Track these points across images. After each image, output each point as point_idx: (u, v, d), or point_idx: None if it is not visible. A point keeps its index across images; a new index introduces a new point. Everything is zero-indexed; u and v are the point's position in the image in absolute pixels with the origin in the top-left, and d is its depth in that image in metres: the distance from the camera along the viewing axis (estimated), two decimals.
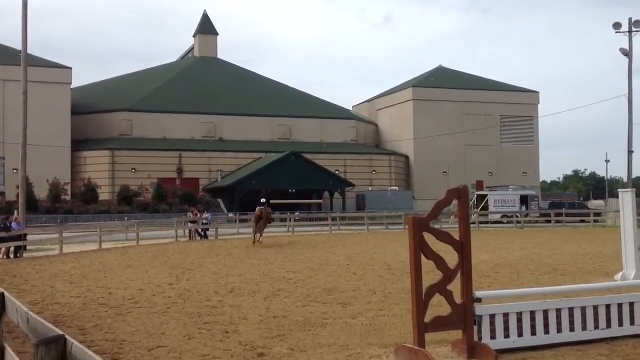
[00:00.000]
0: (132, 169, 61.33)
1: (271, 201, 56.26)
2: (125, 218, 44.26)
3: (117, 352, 8.03)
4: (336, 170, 65.31)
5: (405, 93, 75.11)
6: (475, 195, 56.06)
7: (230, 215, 49.39)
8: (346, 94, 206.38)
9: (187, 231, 34.77)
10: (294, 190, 60.01)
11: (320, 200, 62.90)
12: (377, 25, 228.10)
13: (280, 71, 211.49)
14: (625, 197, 14.20)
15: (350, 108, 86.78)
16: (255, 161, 63.98)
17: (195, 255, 22.76)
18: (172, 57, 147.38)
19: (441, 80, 76.44)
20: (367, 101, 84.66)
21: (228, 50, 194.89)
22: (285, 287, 13.94)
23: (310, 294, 12.85)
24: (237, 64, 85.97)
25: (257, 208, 29.02)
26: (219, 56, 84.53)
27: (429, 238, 7.37)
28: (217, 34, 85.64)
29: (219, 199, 60.40)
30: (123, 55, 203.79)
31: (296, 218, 45.47)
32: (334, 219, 43.19)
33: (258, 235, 28.19)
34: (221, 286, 14.19)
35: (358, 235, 36.40)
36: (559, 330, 7.93)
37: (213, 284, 14.53)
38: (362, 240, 31.06)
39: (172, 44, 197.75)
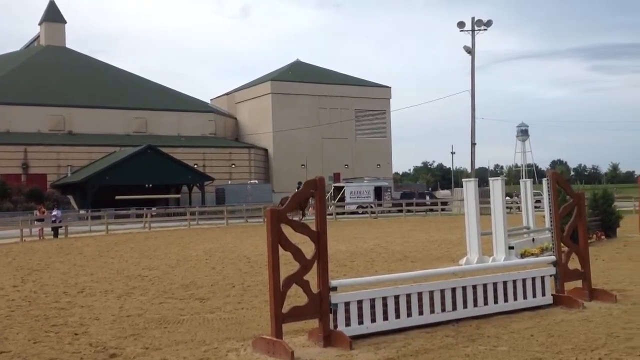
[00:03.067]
0: None
1: (127, 197, 54.51)
2: None
3: None
4: (195, 164, 64.24)
5: (263, 87, 75.30)
6: (333, 187, 57.44)
7: (82, 212, 47.15)
8: (205, 87, 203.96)
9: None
10: (150, 185, 58.31)
11: (179, 195, 61.59)
12: (235, 19, 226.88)
13: (136, 63, 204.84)
14: (469, 186, 15.14)
15: (209, 101, 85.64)
16: (109, 155, 61.34)
17: (43, 255, 21.49)
18: (16, 46, 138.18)
19: (299, 74, 77.41)
20: (227, 94, 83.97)
21: (78, 40, 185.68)
22: (141, 284, 13.52)
23: (167, 290, 12.55)
24: (88, 54, 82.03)
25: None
26: (67, 46, 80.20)
27: (287, 230, 7.41)
28: (65, 22, 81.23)
29: (69, 196, 57.37)
30: None
31: (153, 214, 44.26)
32: (192, 213, 42.56)
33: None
34: (71, 286, 13.50)
35: (217, 229, 36.08)
36: (409, 314, 8.26)
37: (62, 285, 13.79)
38: (221, 234, 30.80)
39: (16, 32, 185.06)
